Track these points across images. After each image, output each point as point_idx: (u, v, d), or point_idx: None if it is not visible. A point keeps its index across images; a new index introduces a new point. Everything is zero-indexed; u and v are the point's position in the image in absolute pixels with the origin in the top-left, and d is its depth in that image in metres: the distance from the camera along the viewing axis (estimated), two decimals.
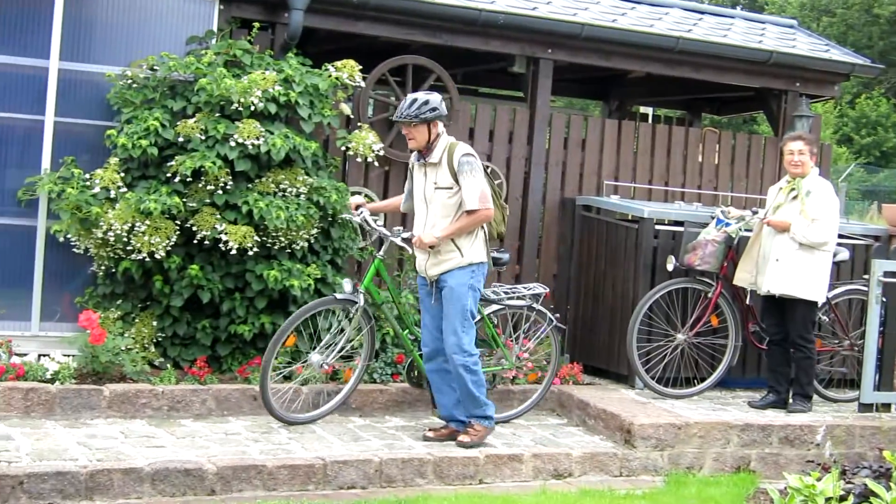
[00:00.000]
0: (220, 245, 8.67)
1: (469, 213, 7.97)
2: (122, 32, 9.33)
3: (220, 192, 8.69)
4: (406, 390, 9.08)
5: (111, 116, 9.13)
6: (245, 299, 8.88)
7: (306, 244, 9.03)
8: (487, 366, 8.82)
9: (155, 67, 9.04)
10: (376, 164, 9.84)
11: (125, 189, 8.74)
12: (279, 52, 9.63)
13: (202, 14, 9.47)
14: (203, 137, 8.74)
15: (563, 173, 11.16)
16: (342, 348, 8.42)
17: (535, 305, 9.06)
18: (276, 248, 8.88)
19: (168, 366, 8.71)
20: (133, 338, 8.66)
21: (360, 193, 9.71)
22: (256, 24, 9.39)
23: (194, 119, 8.82)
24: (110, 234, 8.54)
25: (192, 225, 8.69)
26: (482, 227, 8.18)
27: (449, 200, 8.03)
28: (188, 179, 8.70)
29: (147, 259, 8.63)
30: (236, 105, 8.80)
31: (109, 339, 8.30)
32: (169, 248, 8.63)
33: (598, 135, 11.35)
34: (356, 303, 8.31)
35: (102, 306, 8.93)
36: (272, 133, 8.84)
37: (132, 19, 9.34)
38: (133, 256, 8.61)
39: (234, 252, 8.66)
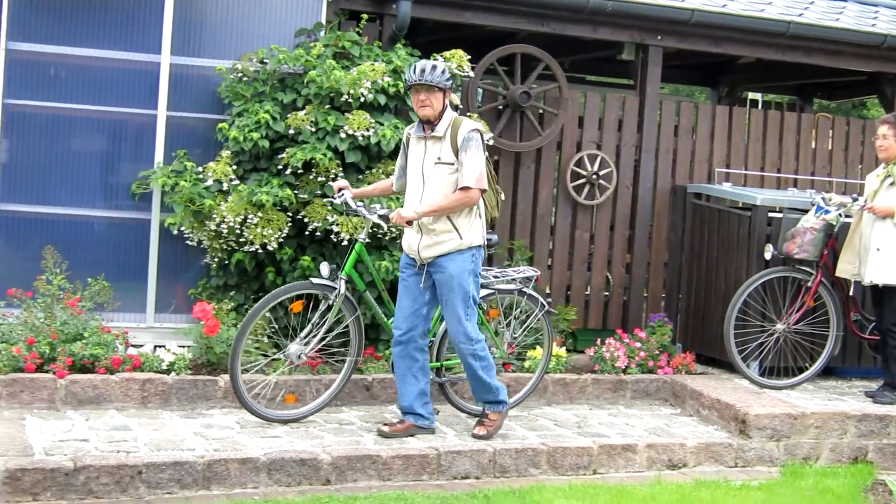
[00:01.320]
0: (332, 236, 8.71)
1: (462, 189, 7.53)
2: (231, 26, 9.41)
3: (330, 183, 8.71)
4: (519, 380, 9.00)
5: (222, 110, 9.22)
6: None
7: None
8: None
9: (265, 60, 9.10)
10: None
11: (237, 181, 8.81)
12: (387, 43, 9.63)
13: (310, 6, 9.51)
14: (313, 129, 8.77)
15: (674, 161, 11.03)
16: (322, 339, 7.97)
17: (525, 290, 8.52)
18: (386, 238, 8.90)
19: (282, 356, 8.77)
20: None
21: None
22: (365, 16, 9.38)
23: (304, 111, 8.86)
24: (223, 226, 8.61)
25: (303, 216, 8.74)
26: (478, 210, 7.71)
27: (450, 177, 7.56)
28: (299, 171, 8.76)
29: (259, 250, 8.71)
30: (346, 97, 8.82)
31: (223, 331, 8.38)
32: (281, 240, 8.69)
33: (709, 121, 11.20)
34: (335, 289, 7.85)
35: (216, 298, 9.03)
36: (382, 124, 8.85)
37: (241, 13, 9.42)
38: (246, 248, 8.69)
39: (345, 243, 8.68)
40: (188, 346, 8.55)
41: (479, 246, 7.74)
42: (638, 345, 9.72)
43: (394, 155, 8.90)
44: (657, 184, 10.93)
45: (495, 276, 8.43)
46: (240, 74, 9.13)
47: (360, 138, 8.72)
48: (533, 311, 8.64)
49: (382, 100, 8.92)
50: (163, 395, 8.05)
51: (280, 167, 8.79)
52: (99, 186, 9.17)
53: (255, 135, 8.70)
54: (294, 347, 7.93)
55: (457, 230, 7.60)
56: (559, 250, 10.62)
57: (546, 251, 10.51)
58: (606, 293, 10.82)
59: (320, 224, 8.67)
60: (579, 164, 10.53)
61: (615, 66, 12.17)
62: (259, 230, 8.58)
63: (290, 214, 8.76)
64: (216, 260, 9.05)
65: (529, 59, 10.31)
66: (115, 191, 9.20)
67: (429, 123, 7.63)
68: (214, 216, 8.65)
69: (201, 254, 9.16)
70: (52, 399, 7.80)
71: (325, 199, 8.66)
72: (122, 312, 8.97)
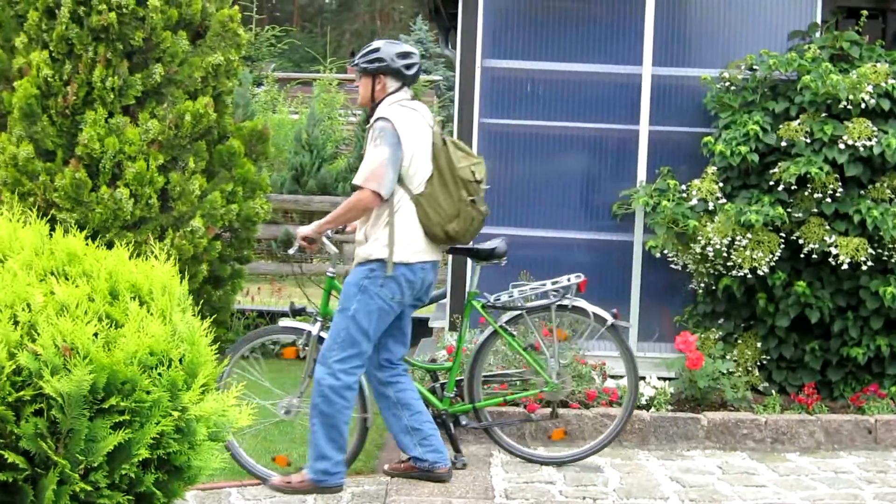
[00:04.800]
0: (829, 259, 7.81)
1: (355, 190, 6.10)
2: (716, 33, 8.81)
3: (828, 200, 7.83)
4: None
5: (707, 122, 8.58)
6: (858, 318, 7.97)
7: None
8: (521, 390, 7.03)
9: (754, 67, 8.36)
10: None
11: (724, 200, 8.13)
12: (891, 42, 8.62)
13: (803, 7, 8.70)
14: (808, 140, 7.91)
15: None
16: (302, 393, 6.60)
17: (566, 302, 6.75)
18: (893, 261, 7.89)
19: (773, 391, 7.99)
20: (735, 360, 8.02)
21: None
22: (864, 13, 8.44)
23: (798, 121, 8.02)
24: (709, 248, 7.93)
25: (797, 237, 7.90)
26: (391, 218, 6.09)
27: None
28: (793, 187, 7.92)
29: (749, 275, 7.95)
30: (844, 103, 7.89)
31: (708, 364, 7.69)
32: (773, 263, 7.88)
33: None
34: (304, 331, 6.58)
35: (702, 326, 8.38)
36: (886, 132, 7.85)
37: (728, 18, 8.79)
38: (734, 273, 7.97)
39: (844, 266, 7.76)
40: (669, 380, 7.93)
41: (380, 260, 6.13)
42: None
43: None
44: None
45: (521, 293, 6.83)
46: (727, 83, 8.44)
47: (862, 149, 7.76)
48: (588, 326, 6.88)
49: (886, 105, 7.91)
50: (640, 433, 7.47)
51: (771, 183, 8.00)
52: (577, 207, 8.79)
53: (744, 148, 7.98)
54: (285, 401, 6.62)
55: (365, 240, 6.21)
56: None
57: None
58: None
59: (817, 245, 7.79)
60: None
61: None
62: (748, 253, 7.84)
63: (782, 235, 7.95)
64: (702, 285, 8.39)
65: None
66: (594, 211, 8.78)
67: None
68: (699, 238, 7.99)
69: (687, 279, 8.53)
70: (521, 435, 7.38)
71: None
72: (601, 341, 8.43)
